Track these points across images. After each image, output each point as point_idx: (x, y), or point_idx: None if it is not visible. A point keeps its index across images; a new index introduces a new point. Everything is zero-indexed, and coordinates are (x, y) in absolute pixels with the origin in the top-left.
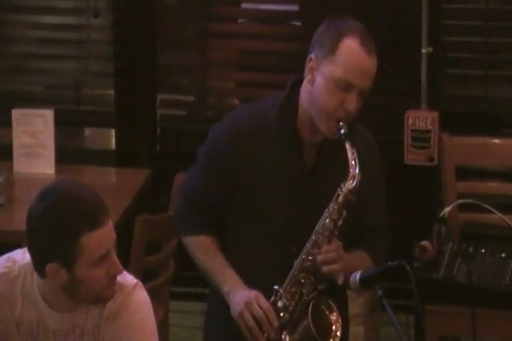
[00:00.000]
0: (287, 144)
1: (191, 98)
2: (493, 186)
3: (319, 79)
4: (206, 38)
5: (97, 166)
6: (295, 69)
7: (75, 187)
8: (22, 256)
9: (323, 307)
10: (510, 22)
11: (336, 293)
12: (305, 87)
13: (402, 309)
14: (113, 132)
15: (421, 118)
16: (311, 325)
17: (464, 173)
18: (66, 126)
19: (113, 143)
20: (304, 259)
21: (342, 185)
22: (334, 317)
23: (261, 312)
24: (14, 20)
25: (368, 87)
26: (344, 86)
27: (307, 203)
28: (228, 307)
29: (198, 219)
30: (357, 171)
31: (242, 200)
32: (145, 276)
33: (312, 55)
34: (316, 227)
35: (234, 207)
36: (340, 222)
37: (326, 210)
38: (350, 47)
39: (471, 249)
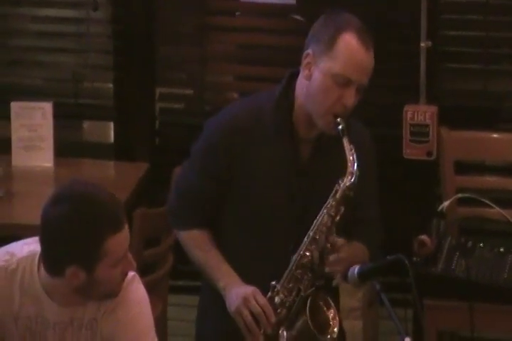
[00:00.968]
0: (283, 140)
1: (190, 92)
2: (492, 180)
3: (317, 75)
4: (205, 31)
5: (96, 159)
6: (294, 63)
7: (93, 189)
8: (20, 249)
9: (320, 303)
10: (510, 16)
11: (328, 286)
12: (301, 82)
13: (401, 303)
14: (112, 125)
15: (420, 113)
16: (309, 321)
17: (462, 168)
18: (65, 119)
19: (112, 136)
20: (301, 255)
21: (340, 181)
22: (332, 313)
23: (258, 307)
24: (13, 13)
25: (366, 83)
26: (342, 81)
27: (303, 199)
28: (221, 304)
29: (191, 214)
30: (355, 167)
31: (237, 196)
32: (143, 270)
33: (309, 51)
34: (314, 223)
35: (229, 203)
36: (338, 218)
37: (324, 206)
38: (348, 42)
39: (469, 244)
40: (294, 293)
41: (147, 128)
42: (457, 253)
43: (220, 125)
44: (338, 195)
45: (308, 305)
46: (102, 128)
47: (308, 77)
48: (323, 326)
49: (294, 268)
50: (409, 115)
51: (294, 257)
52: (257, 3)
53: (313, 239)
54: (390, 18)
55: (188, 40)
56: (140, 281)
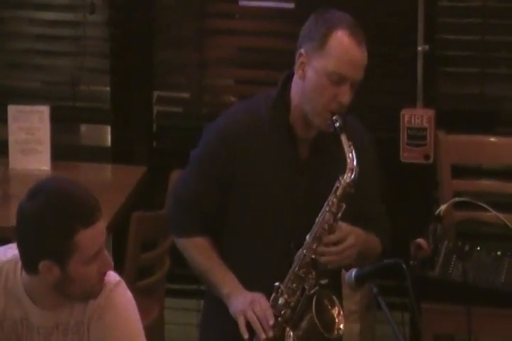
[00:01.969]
0: (282, 140)
1: (188, 95)
2: (489, 184)
3: (311, 74)
4: (203, 35)
5: (93, 163)
6: (292, 67)
7: (67, 184)
8: (4, 252)
9: (325, 301)
10: (507, 20)
11: (332, 290)
12: (296, 83)
13: (398, 307)
14: (109, 129)
15: (417, 116)
16: (316, 319)
17: (459, 171)
18: (62, 122)
19: (109, 139)
20: (304, 254)
21: (340, 178)
22: (336, 311)
23: (262, 312)
24: (10, 16)
25: (360, 79)
26: (337, 79)
27: (304, 198)
28: (226, 309)
29: (192, 221)
30: (355, 164)
31: (238, 198)
32: (140, 273)
33: (302, 50)
34: (316, 221)
35: (231, 205)
36: (339, 215)
37: (326, 204)
38: (340, 39)
39: (466, 247)
40: (298, 293)
41: (145, 131)
42: (454, 257)
43: (219, 131)
44: (338, 192)
45: (313, 303)
46: (99, 132)
47: (303, 77)
48: (329, 323)
49: (297, 267)
50: (406, 119)
51: (297, 256)
52: (255, 6)
53: (316, 237)
54: (387, 22)
55: (186, 44)
56: (126, 287)
